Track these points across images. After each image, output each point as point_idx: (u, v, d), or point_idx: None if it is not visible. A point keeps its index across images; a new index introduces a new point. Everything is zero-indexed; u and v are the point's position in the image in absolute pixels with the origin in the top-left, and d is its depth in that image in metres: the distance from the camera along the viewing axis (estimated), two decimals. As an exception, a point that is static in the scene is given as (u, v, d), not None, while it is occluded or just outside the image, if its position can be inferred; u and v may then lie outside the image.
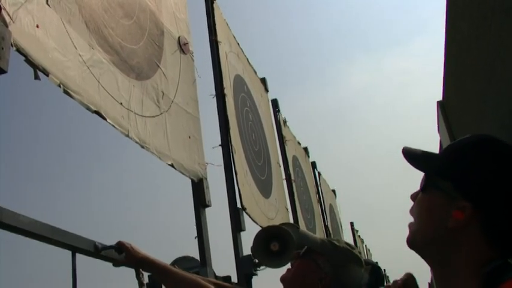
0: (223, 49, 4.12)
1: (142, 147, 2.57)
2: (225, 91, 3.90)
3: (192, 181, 3.12)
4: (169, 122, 2.97)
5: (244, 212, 3.61)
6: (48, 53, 1.96)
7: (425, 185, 1.05)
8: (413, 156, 1.08)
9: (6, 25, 1.73)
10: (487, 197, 0.95)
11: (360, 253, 1.74)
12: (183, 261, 2.97)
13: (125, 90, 2.53)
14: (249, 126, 4.60)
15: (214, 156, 3.60)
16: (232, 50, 4.55)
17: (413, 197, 1.08)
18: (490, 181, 0.95)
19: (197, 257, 3.01)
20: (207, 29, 4.05)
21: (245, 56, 5.04)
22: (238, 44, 4.80)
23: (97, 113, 2.20)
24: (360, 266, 1.68)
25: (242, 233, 3.57)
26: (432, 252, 1.02)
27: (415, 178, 1.14)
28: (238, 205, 3.59)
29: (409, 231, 1.06)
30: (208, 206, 3.14)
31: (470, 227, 0.95)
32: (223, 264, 3.57)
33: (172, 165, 2.85)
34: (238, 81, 4.57)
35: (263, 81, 5.75)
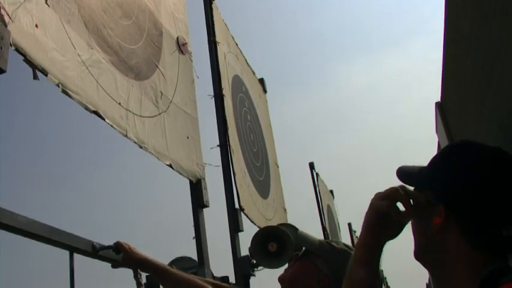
0: (221, 50, 4.12)
1: (141, 147, 2.57)
2: (224, 91, 3.90)
3: (190, 181, 3.12)
4: (168, 122, 2.96)
5: (242, 213, 3.61)
6: (47, 53, 1.96)
7: None
8: (404, 175, 1.11)
9: (5, 24, 1.73)
10: (456, 200, 0.97)
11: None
12: (181, 262, 2.97)
13: (123, 90, 2.53)
14: (248, 127, 4.60)
15: (212, 157, 3.60)
16: (231, 51, 4.55)
17: None
18: (458, 184, 0.98)
19: (195, 257, 3.01)
20: (205, 29, 4.06)
21: (243, 56, 5.04)
22: (236, 44, 4.80)
23: (95, 113, 2.20)
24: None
25: (240, 234, 3.57)
26: (428, 261, 1.05)
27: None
28: (236, 206, 3.59)
29: (414, 245, 1.09)
30: (206, 206, 3.14)
31: (450, 230, 0.98)
32: (221, 264, 3.57)
33: (170, 166, 2.85)
34: (237, 81, 4.57)
35: (261, 81, 5.75)
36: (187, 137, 3.21)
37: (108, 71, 2.42)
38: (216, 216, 3.63)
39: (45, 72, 1.90)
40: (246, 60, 5.12)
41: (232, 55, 4.55)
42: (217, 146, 3.73)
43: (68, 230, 1.94)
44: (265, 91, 5.81)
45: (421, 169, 1.09)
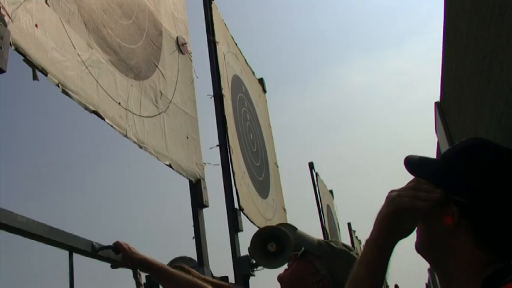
0: (221, 49, 4.12)
1: (140, 147, 2.57)
2: (223, 91, 3.90)
3: (190, 181, 3.12)
4: (168, 122, 2.96)
5: (241, 213, 3.62)
6: (47, 53, 1.96)
7: None
8: (416, 167, 1.08)
9: (5, 24, 1.73)
10: (471, 203, 0.96)
11: (357, 254, 1.73)
12: (180, 262, 2.97)
13: (123, 90, 2.53)
14: (247, 127, 4.60)
15: (212, 157, 3.60)
16: (230, 51, 4.55)
17: None
18: (473, 188, 0.97)
19: (195, 257, 3.01)
20: (205, 29, 4.06)
21: (243, 56, 5.04)
22: (236, 44, 4.80)
23: (95, 113, 2.20)
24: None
25: (239, 234, 3.57)
26: (432, 257, 1.05)
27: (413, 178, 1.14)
28: (236, 205, 3.59)
29: (415, 237, 1.08)
30: (205, 206, 3.14)
31: (460, 231, 0.97)
32: (221, 264, 3.58)
33: (170, 166, 2.85)
34: (236, 81, 4.57)
35: (261, 81, 5.75)
36: (187, 137, 3.21)
37: (108, 70, 2.43)
38: (215, 216, 3.63)
39: (45, 72, 1.90)
40: (245, 60, 5.12)
41: (231, 55, 4.55)
42: (217, 145, 3.73)
43: (68, 230, 1.94)
44: (264, 91, 5.82)
45: (430, 162, 1.07)
